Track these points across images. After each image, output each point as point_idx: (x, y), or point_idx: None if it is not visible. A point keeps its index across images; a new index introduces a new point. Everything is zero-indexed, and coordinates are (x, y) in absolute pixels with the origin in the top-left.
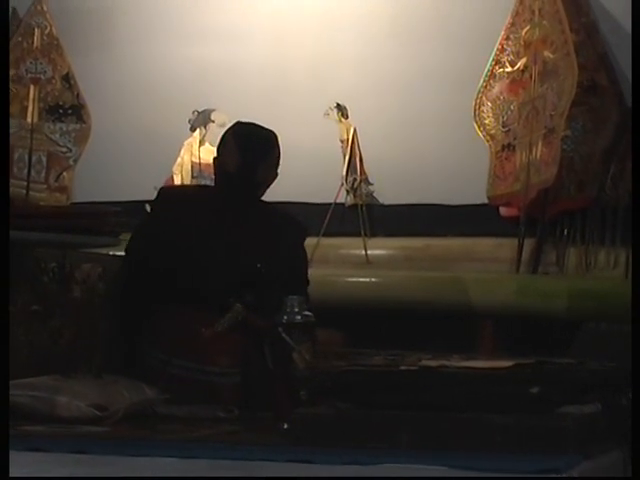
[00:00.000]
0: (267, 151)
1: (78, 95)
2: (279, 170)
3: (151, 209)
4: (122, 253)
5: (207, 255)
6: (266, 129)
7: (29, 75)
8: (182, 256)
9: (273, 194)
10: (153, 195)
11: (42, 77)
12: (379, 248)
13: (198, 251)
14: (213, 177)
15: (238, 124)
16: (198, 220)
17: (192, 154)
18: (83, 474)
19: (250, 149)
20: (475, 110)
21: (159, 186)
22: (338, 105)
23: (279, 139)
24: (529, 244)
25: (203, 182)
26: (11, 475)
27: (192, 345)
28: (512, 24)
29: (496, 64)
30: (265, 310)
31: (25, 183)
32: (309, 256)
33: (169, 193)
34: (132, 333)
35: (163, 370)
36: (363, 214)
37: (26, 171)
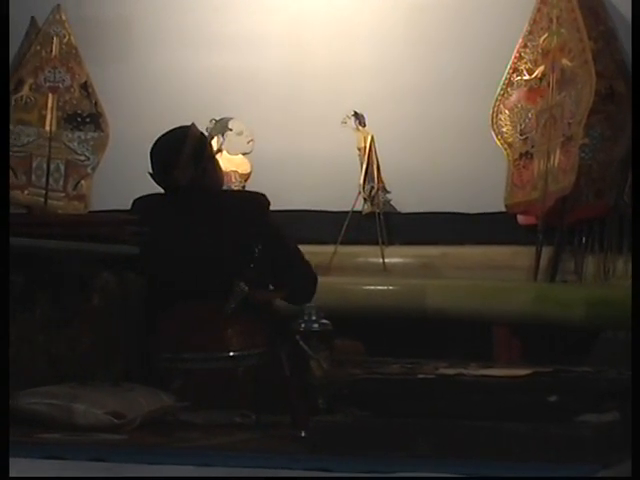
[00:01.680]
0: (169, 161)
1: (96, 103)
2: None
3: (132, 220)
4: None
5: (186, 250)
6: (171, 136)
7: (48, 84)
8: (166, 256)
9: (290, 202)
10: None
11: (60, 86)
12: (396, 256)
13: (176, 248)
14: (231, 185)
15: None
16: (169, 222)
17: None
18: None
19: (156, 166)
20: (493, 118)
21: None
22: (355, 113)
23: (186, 139)
24: (547, 252)
25: None
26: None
27: (200, 336)
28: (530, 32)
29: (514, 72)
30: (264, 284)
31: (43, 191)
32: (327, 263)
33: (142, 201)
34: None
35: (174, 368)
36: (380, 222)
37: (44, 179)
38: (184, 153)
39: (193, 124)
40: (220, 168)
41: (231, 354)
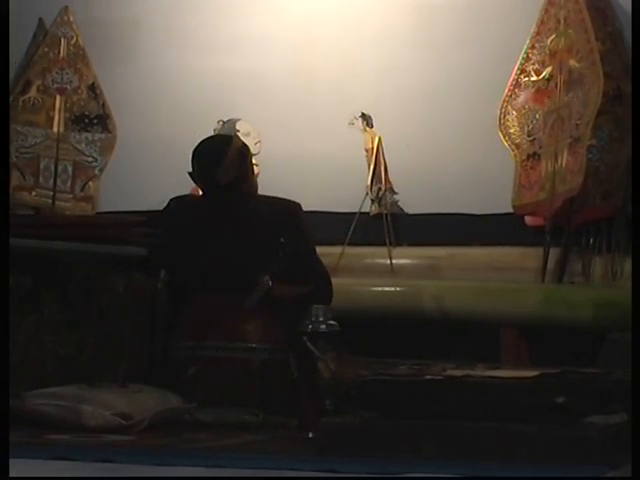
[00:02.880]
0: (215, 159)
1: (104, 105)
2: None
3: (163, 217)
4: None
5: (218, 246)
6: (218, 138)
7: (55, 85)
8: (198, 251)
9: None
10: None
11: (68, 87)
12: (404, 257)
13: (209, 245)
14: None
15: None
16: (204, 220)
17: None
18: None
19: (201, 163)
20: (500, 119)
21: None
22: (363, 114)
23: (232, 141)
24: (554, 253)
25: None
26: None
27: (222, 326)
28: (537, 33)
29: (521, 73)
30: (288, 279)
31: (51, 193)
32: (334, 264)
33: (177, 201)
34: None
35: (193, 356)
36: (388, 223)
37: (52, 181)
38: (230, 153)
39: (237, 135)
40: (255, 177)
41: (250, 345)
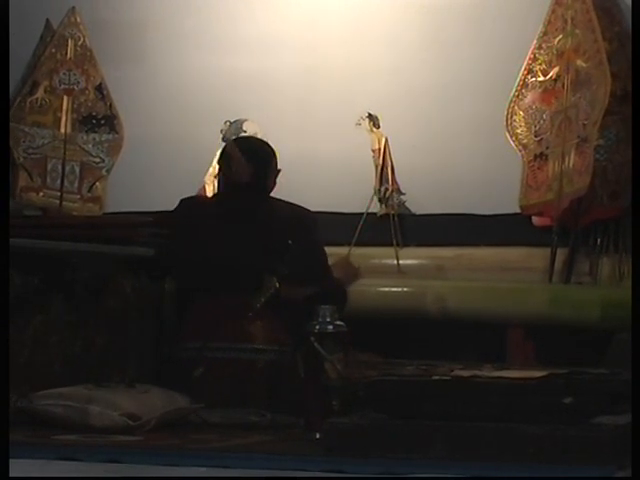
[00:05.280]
0: (270, 160)
1: (111, 106)
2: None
3: (174, 217)
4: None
5: (228, 247)
6: (263, 141)
7: (62, 86)
8: (207, 251)
9: (304, 204)
10: None
11: (75, 88)
12: (411, 258)
13: (219, 246)
14: None
15: (239, 139)
16: (216, 220)
17: None
18: None
19: (258, 161)
20: (507, 119)
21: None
22: (370, 115)
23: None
24: (562, 254)
25: None
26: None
27: (228, 327)
28: (544, 33)
29: (528, 73)
30: (296, 281)
31: (58, 193)
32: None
33: (188, 201)
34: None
35: (199, 357)
36: (395, 224)
37: (59, 181)
38: (274, 163)
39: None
40: None
41: (256, 346)
